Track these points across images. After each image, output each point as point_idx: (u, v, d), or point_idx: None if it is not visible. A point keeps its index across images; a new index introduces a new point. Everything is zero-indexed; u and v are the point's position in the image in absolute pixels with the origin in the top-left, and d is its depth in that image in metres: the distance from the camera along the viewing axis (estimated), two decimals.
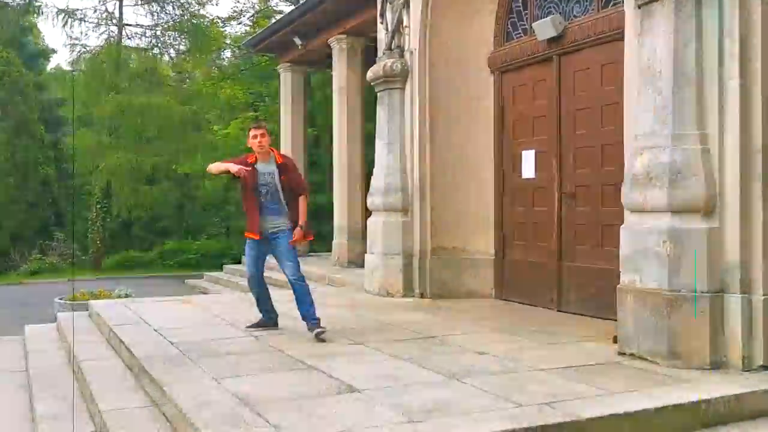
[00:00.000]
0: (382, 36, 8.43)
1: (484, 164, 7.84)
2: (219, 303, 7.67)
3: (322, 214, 18.27)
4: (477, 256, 7.86)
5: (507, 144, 7.60)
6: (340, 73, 11.51)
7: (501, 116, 7.65)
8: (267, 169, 5.52)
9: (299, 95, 13.73)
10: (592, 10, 6.42)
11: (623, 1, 5.30)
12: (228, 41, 23.74)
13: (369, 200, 8.34)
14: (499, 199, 7.71)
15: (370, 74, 8.30)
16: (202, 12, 19.14)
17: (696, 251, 4.30)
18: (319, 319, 5.47)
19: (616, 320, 5.69)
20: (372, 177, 8.43)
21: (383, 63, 8.01)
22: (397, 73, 7.91)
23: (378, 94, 8.32)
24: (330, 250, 15.65)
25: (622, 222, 5.82)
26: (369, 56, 11.92)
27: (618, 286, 4.75)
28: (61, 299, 9.53)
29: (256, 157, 5.54)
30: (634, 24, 4.91)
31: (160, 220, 26.65)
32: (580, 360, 4.58)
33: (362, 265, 11.36)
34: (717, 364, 4.29)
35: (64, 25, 18.81)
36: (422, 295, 7.74)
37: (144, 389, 4.41)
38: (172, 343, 5.18)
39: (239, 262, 14.95)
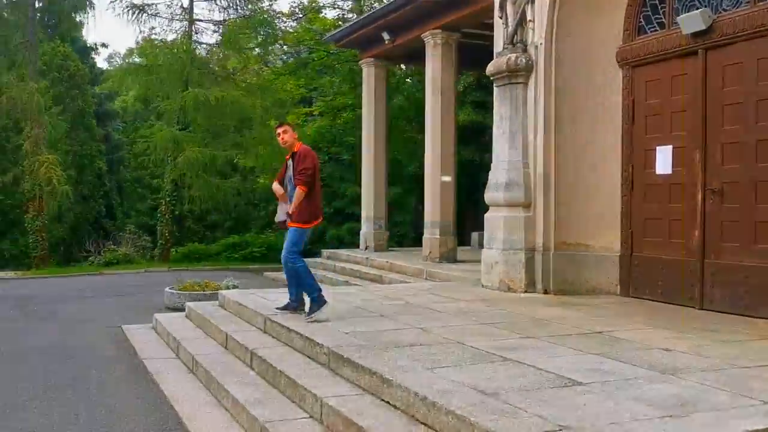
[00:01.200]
0: (499, 31, 8.42)
1: (610, 160, 7.78)
2: (345, 294, 7.71)
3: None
4: (601, 252, 7.81)
5: (637, 139, 7.53)
6: (433, 67, 11.50)
7: (631, 111, 7.58)
8: (291, 162, 6.02)
9: (381, 90, 13.75)
10: (746, 3, 6.31)
11: None
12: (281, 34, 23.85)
13: (487, 195, 8.32)
14: (626, 195, 7.64)
15: (491, 68, 8.28)
16: (272, 8, 19.19)
17: None
18: (303, 303, 6.11)
19: None
20: (490, 172, 8.41)
21: (507, 57, 7.99)
22: (522, 67, 7.88)
23: (497, 88, 8.31)
24: (402, 245, 15.69)
25: None
26: (461, 51, 11.94)
27: None
28: (171, 289, 9.67)
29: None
30: None
31: (209, 213, 27.02)
32: None
33: (454, 260, 11.44)
34: None
35: (134, 20, 19.03)
36: (545, 291, 7.72)
37: (343, 377, 4.46)
38: (346, 333, 5.23)
39: (313, 256, 15.07)
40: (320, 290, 5.94)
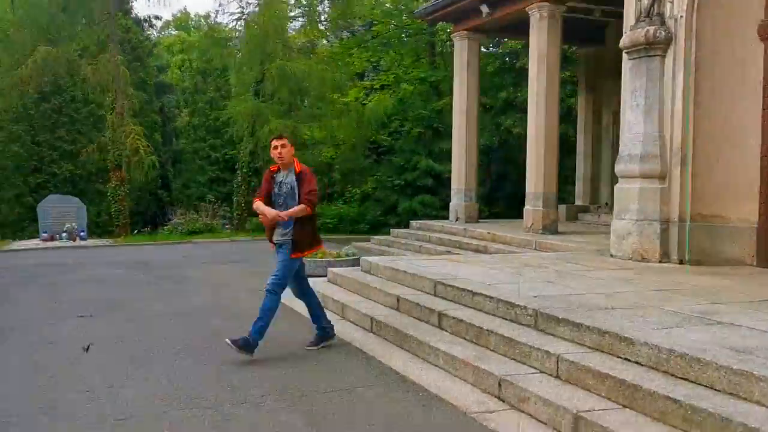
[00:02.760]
0: (631, 4, 8.44)
1: (748, 132, 7.82)
2: (483, 262, 7.94)
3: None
4: (737, 224, 7.90)
5: None
6: (539, 41, 11.53)
7: None
8: (285, 178, 5.42)
9: (474, 64, 13.82)
10: None
11: None
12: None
13: (618, 167, 8.44)
14: (766, 168, 7.70)
15: (626, 41, 8.33)
16: None
17: None
18: (249, 339, 5.29)
19: None
20: (620, 144, 8.52)
21: (645, 30, 8.03)
22: (661, 40, 7.92)
23: (630, 61, 8.35)
24: (494, 215, 15.77)
25: None
26: (566, 24, 11.94)
27: None
28: None
29: (278, 167, 5.50)
30: None
31: None
32: None
33: (556, 232, 11.58)
34: None
35: None
36: (680, 262, 7.85)
37: (555, 336, 4.67)
38: (534, 297, 5.45)
39: (384, 226, 15.34)
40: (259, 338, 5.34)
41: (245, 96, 18.14)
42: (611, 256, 8.43)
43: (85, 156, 19.38)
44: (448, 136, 21.59)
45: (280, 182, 5.42)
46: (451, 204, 14.35)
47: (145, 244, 15.90)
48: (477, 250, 11.23)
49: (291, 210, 5.32)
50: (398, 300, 6.39)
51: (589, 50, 15.30)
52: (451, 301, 6.03)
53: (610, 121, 14.89)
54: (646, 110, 8.12)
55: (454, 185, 14.20)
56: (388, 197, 20.80)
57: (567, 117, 18.24)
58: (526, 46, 20.08)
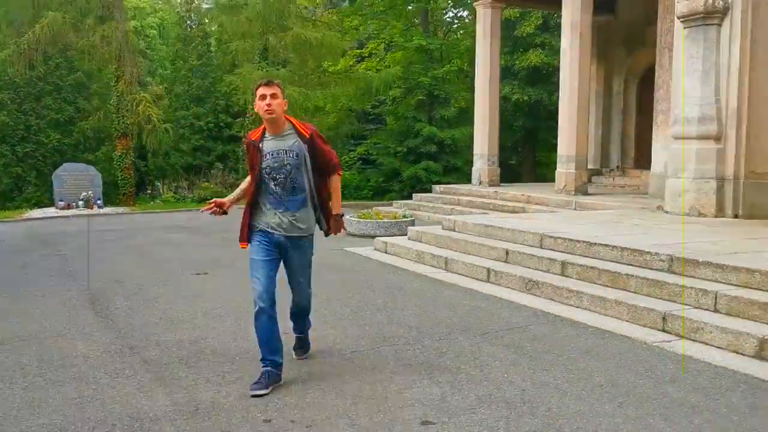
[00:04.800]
0: None
1: None
2: (549, 219, 8.45)
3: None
4: None
5: None
6: (572, 10, 11.95)
7: None
8: (282, 145, 3.85)
9: (497, 32, 14.22)
10: None
11: None
12: None
13: (674, 129, 9.02)
14: None
15: (684, 10, 8.82)
16: None
17: None
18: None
19: None
20: (675, 107, 9.08)
21: (704, 0, 8.55)
22: (719, 9, 8.47)
23: (688, 29, 8.88)
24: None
25: None
26: None
27: None
28: (351, 217, 10.33)
29: (263, 129, 3.90)
30: None
31: None
32: None
33: (586, 193, 12.17)
34: None
35: None
36: (735, 216, 8.53)
37: (695, 277, 5.20)
38: (654, 243, 5.96)
39: (387, 192, 15.75)
40: None
41: (257, 64, 18.03)
42: (665, 212, 9.04)
43: (91, 123, 19.03)
44: (449, 103, 22.17)
45: (275, 151, 3.83)
46: (473, 168, 14.80)
47: (163, 211, 15.90)
48: (513, 211, 11.71)
49: (337, 203, 4.07)
50: (507, 252, 6.84)
51: (600, 19, 15.77)
52: (563, 252, 6.51)
53: (621, 89, 15.51)
54: (703, 76, 8.69)
55: (477, 150, 14.64)
56: (390, 164, 21.16)
57: None
58: (524, 16, 20.71)
